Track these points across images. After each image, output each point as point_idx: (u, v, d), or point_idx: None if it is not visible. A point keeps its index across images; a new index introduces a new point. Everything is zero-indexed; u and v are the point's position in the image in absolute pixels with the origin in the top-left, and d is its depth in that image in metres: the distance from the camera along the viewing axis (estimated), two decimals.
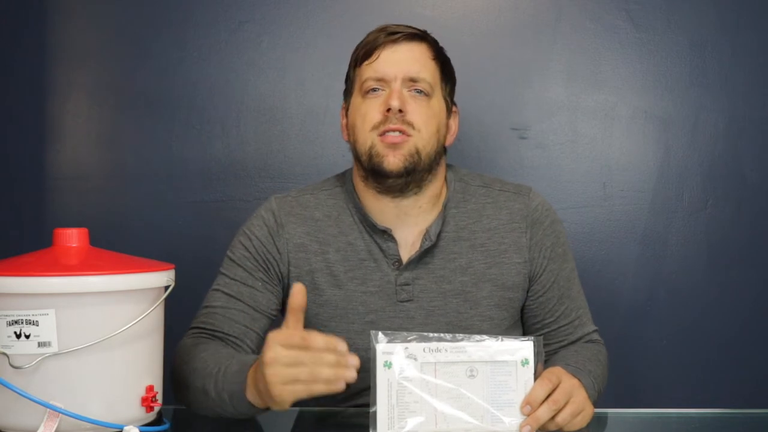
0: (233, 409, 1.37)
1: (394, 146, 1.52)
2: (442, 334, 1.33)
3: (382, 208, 1.59)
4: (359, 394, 1.58)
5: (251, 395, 1.34)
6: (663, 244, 2.11)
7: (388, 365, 1.30)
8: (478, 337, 1.33)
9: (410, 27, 1.60)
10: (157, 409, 1.32)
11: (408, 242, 1.59)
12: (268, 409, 1.35)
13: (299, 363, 1.25)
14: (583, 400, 1.35)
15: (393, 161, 1.52)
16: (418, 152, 1.53)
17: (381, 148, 1.53)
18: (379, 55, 1.56)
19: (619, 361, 2.03)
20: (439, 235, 1.58)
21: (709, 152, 2.10)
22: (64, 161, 2.14)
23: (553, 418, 1.31)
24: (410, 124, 1.52)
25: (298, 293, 1.30)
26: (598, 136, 2.11)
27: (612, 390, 1.63)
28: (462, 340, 1.32)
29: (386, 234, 1.57)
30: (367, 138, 1.54)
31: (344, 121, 1.64)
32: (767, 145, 2.10)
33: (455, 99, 1.65)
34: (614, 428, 1.47)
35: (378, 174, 1.54)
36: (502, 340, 1.33)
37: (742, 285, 2.11)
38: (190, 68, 2.12)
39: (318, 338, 1.26)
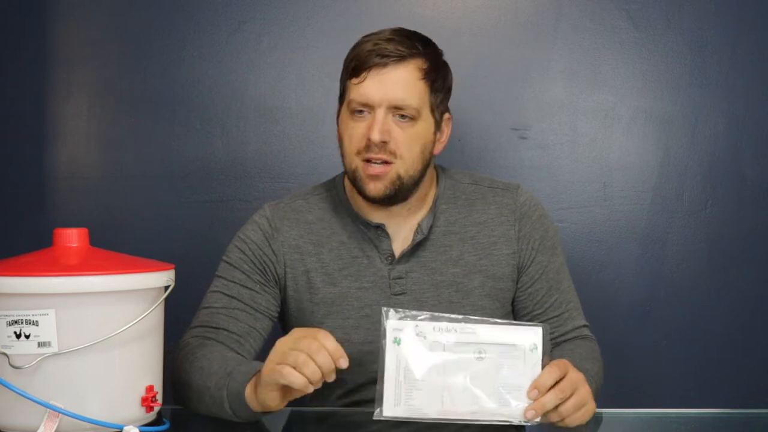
0: (230, 410, 1.37)
1: (376, 176, 1.54)
2: (453, 315, 1.33)
3: (372, 211, 1.62)
4: (356, 390, 1.60)
5: (249, 394, 1.34)
6: (663, 244, 2.11)
7: (397, 342, 1.31)
8: (488, 319, 1.33)
9: (400, 47, 1.54)
10: (157, 409, 1.32)
11: (400, 238, 1.62)
12: (265, 413, 1.36)
13: (299, 349, 1.27)
14: (587, 394, 1.35)
15: (374, 188, 1.55)
16: (400, 178, 1.55)
17: (364, 175, 1.55)
18: (365, 78, 1.53)
19: (619, 361, 2.03)
20: (430, 229, 1.61)
21: (709, 152, 2.10)
22: (64, 161, 2.14)
23: (557, 407, 1.31)
24: (392, 153, 1.53)
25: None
26: (598, 136, 2.11)
27: (612, 390, 1.63)
28: (473, 321, 1.32)
29: (380, 229, 1.60)
30: (352, 160, 1.56)
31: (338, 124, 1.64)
32: (767, 145, 2.10)
33: (453, 100, 1.64)
34: (614, 428, 1.47)
35: (362, 194, 1.57)
36: (512, 324, 1.33)
37: (742, 285, 2.10)
38: (190, 68, 2.12)
39: (329, 339, 1.28)
